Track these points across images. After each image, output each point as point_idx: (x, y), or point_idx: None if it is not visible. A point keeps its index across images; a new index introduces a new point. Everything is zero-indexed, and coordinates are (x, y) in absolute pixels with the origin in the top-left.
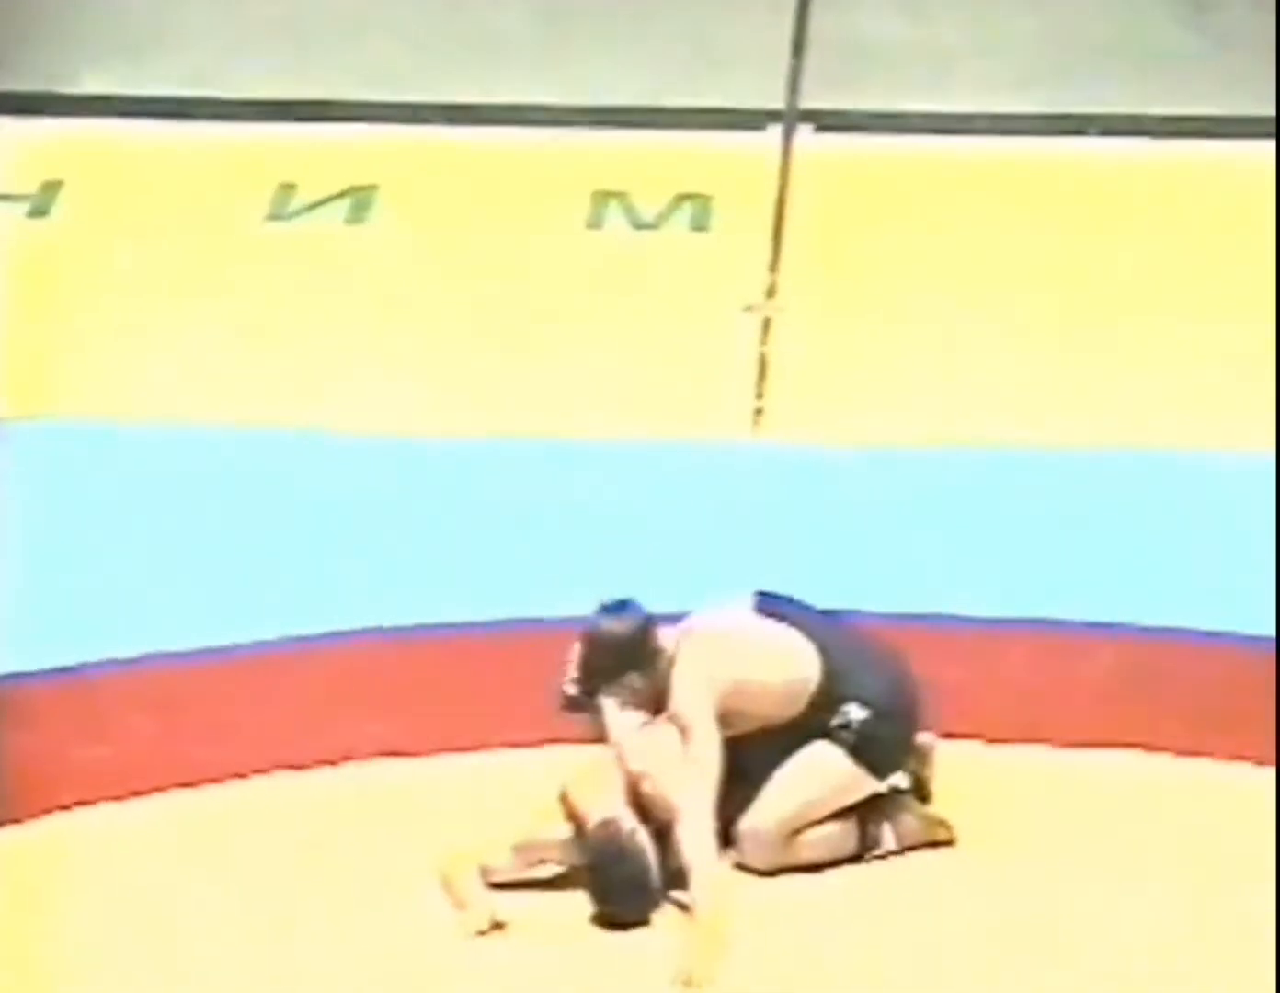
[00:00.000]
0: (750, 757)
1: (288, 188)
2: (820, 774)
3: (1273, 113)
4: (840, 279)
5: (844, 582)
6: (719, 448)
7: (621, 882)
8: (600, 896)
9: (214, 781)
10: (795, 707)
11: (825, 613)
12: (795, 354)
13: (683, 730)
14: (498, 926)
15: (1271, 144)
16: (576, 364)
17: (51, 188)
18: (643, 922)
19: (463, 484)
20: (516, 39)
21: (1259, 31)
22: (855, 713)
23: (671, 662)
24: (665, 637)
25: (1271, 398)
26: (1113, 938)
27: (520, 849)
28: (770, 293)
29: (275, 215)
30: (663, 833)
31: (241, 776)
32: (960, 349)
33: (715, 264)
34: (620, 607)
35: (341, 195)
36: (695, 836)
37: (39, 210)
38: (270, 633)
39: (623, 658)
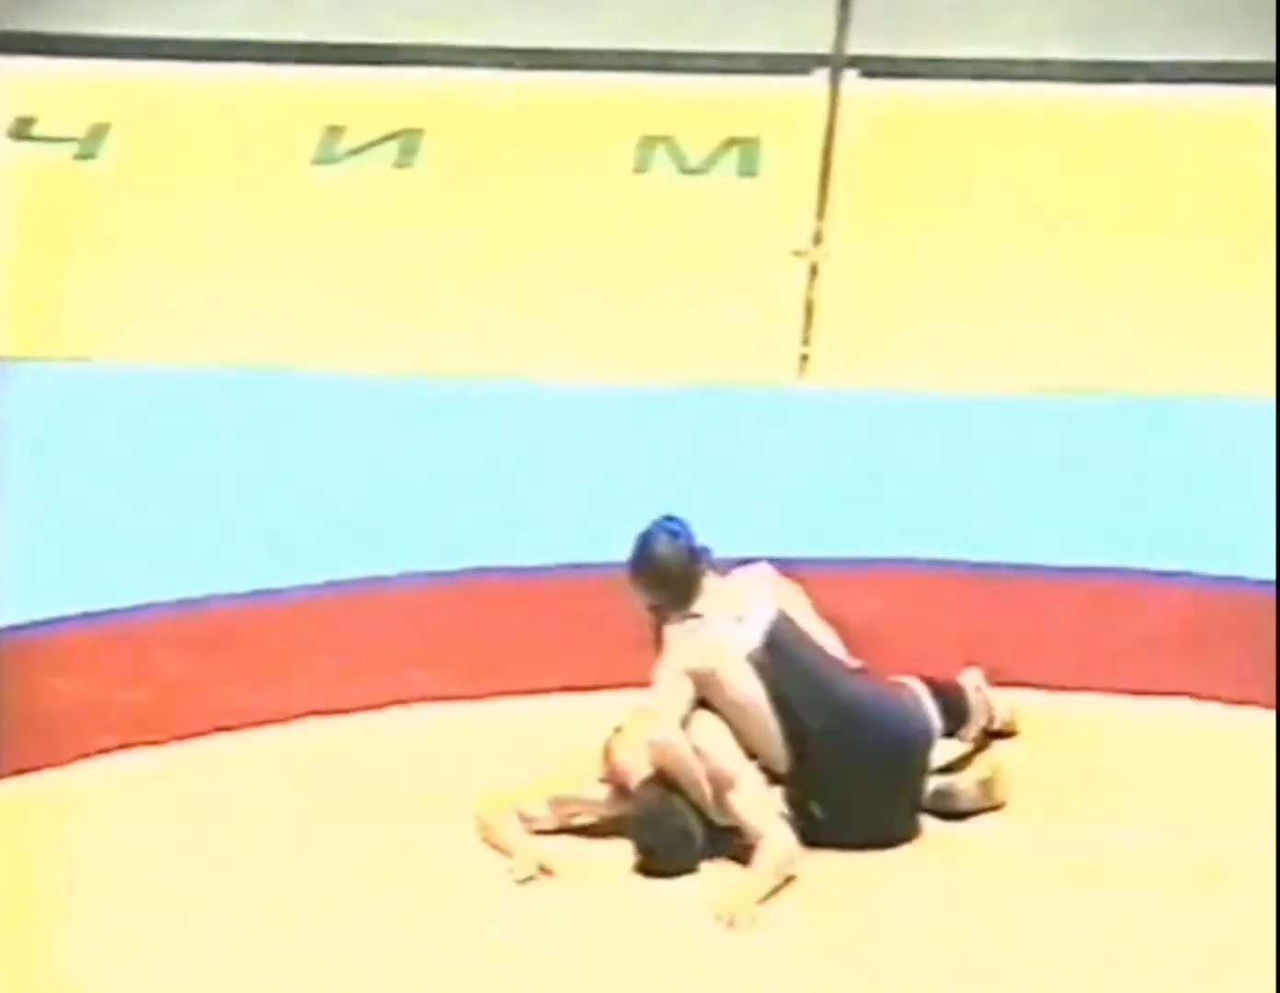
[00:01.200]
0: None
1: (335, 131)
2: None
3: None
4: (886, 225)
5: (892, 527)
6: (766, 393)
7: (670, 831)
8: (647, 846)
9: (255, 725)
10: None
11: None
12: (841, 300)
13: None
14: (546, 872)
15: None
16: (623, 310)
17: (99, 130)
18: (690, 869)
19: (509, 428)
20: None
21: None
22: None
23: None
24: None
25: None
26: (1156, 885)
27: (556, 803)
28: (817, 238)
29: (322, 159)
30: (708, 806)
31: (283, 720)
32: (1006, 295)
33: (762, 209)
34: (672, 531)
35: (389, 139)
36: (751, 799)
37: (86, 153)
38: (312, 577)
39: (670, 586)
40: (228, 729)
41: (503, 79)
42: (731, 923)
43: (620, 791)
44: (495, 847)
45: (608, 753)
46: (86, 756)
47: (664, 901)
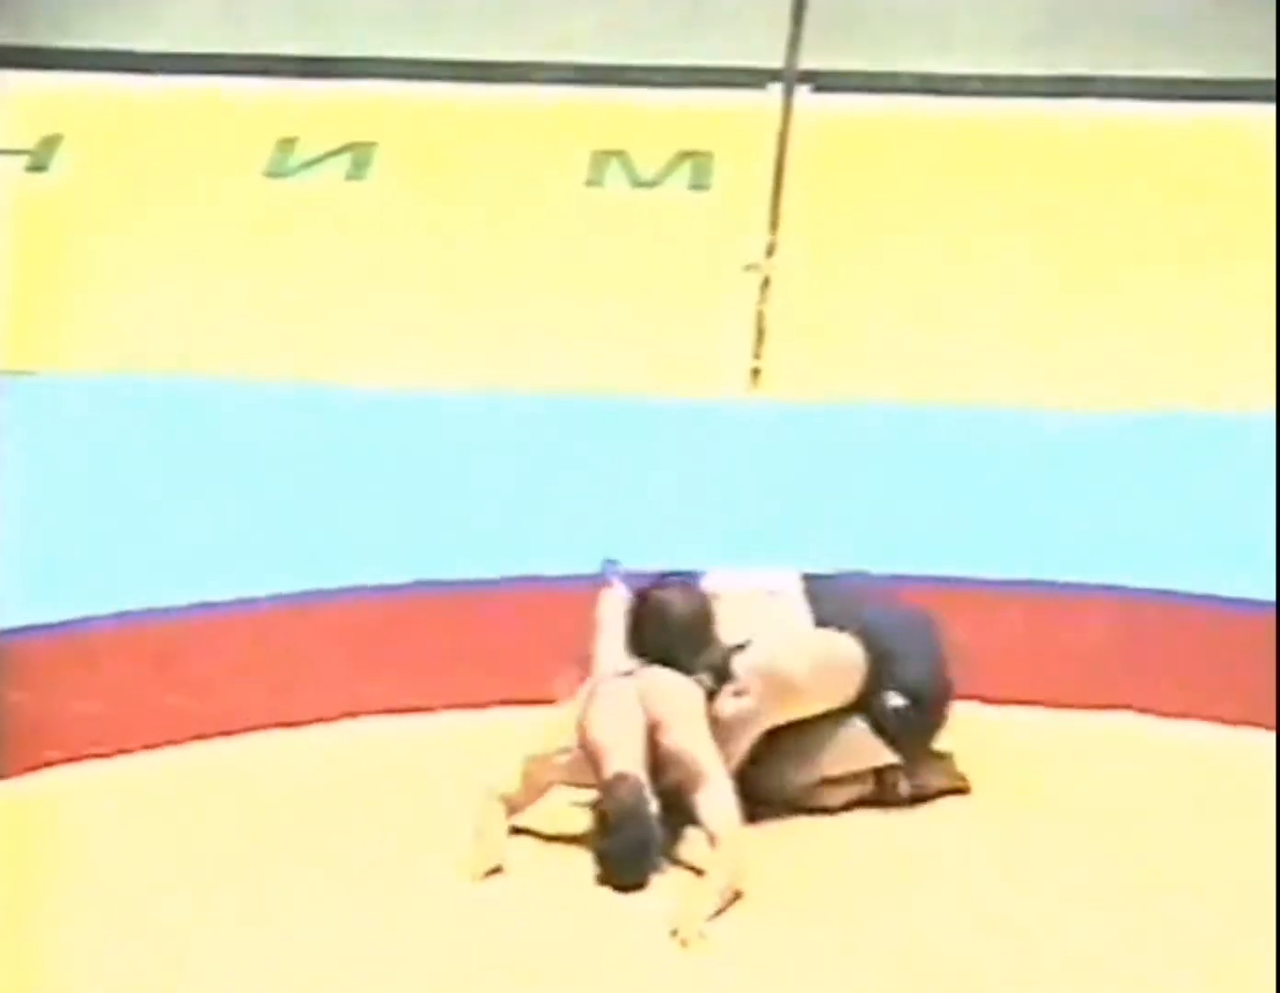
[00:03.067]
0: (791, 738)
1: (287, 143)
2: (847, 754)
3: (1272, 75)
4: (838, 239)
5: (840, 540)
6: (717, 406)
7: (625, 846)
8: (602, 857)
9: (205, 737)
10: (841, 699)
11: (869, 581)
12: (793, 313)
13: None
14: (496, 869)
15: (1271, 107)
16: (575, 322)
17: (51, 142)
18: (640, 885)
19: (459, 440)
20: None
21: None
22: (895, 701)
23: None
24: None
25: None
26: (1101, 897)
27: (530, 772)
28: (769, 252)
29: (274, 171)
30: (671, 793)
31: (233, 733)
32: (957, 308)
33: (714, 223)
34: (682, 580)
35: (341, 151)
36: (719, 802)
37: (38, 165)
38: (260, 590)
39: (679, 636)
40: (177, 742)
41: (455, 92)
42: (685, 941)
43: (595, 768)
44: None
45: (580, 725)
46: (39, 767)
47: (617, 915)
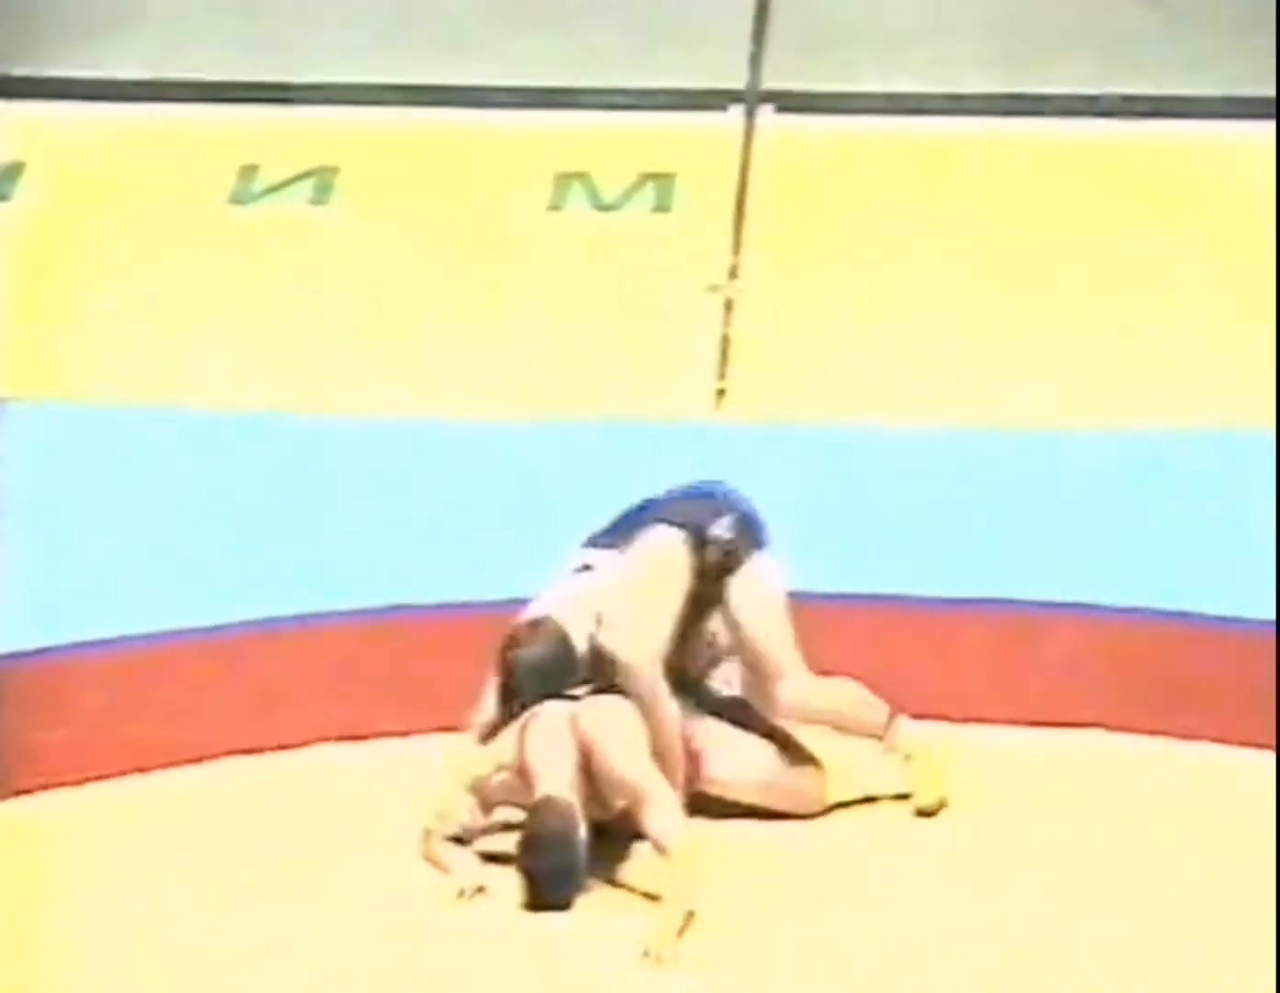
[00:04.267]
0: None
1: (250, 170)
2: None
3: (1229, 92)
4: (802, 260)
5: (804, 561)
6: (682, 427)
7: (551, 868)
8: (528, 878)
9: (174, 764)
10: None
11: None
12: (757, 335)
13: (638, 701)
14: (479, 889)
15: (1230, 123)
16: (539, 345)
17: (13, 171)
18: (566, 906)
19: (424, 465)
20: (477, 20)
21: (1214, 10)
22: (719, 529)
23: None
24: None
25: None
26: (1070, 916)
27: (476, 789)
28: (732, 273)
29: (237, 198)
30: (619, 818)
31: (203, 759)
32: (921, 329)
33: (677, 245)
34: (527, 622)
35: (303, 177)
36: (667, 819)
37: (0, 194)
38: (230, 616)
39: (549, 680)
40: (146, 770)
41: (417, 117)
42: (659, 960)
43: (526, 788)
44: (435, 867)
45: (519, 739)
46: (4, 797)
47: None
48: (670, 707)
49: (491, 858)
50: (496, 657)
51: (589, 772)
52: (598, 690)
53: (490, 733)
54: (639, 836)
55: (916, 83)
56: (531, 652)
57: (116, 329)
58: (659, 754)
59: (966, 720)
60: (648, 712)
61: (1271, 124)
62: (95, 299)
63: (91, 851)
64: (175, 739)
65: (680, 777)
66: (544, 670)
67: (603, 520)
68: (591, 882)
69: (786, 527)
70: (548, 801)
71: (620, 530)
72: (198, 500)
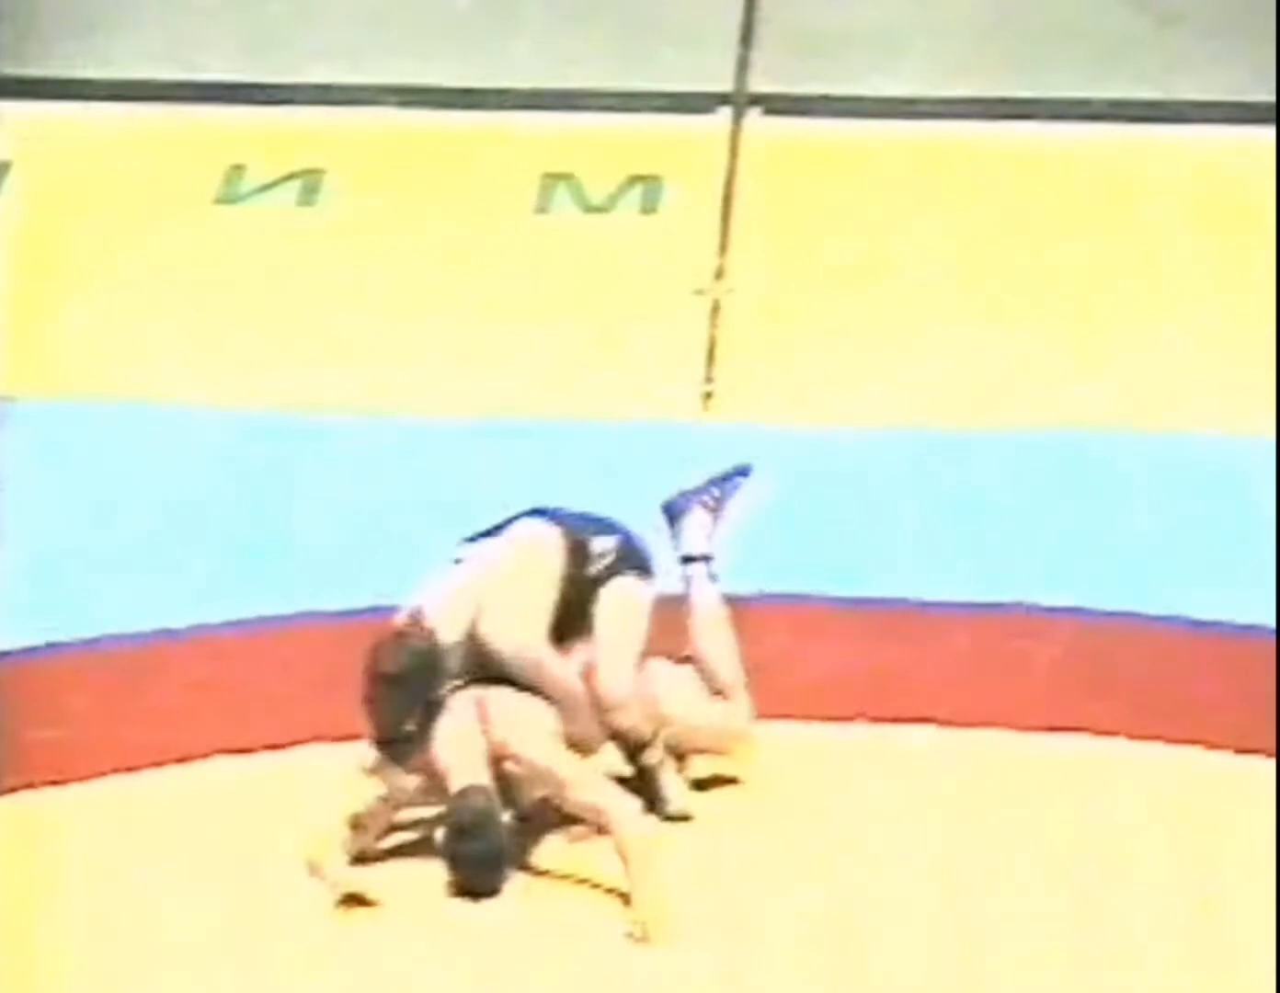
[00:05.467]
0: None
1: (237, 170)
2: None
3: (1218, 98)
4: (788, 262)
5: (792, 563)
6: (669, 428)
7: (474, 855)
8: (453, 866)
9: (161, 764)
10: (555, 570)
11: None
12: (744, 337)
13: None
14: (365, 901)
15: (1219, 128)
16: (526, 347)
17: None
18: (493, 892)
19: (410, 465)
20: (465, 21)
21: (1202, 14)
22: (602, 545)
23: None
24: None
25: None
26: (1054, 914)
27: (384, 798)
28: (719, 275)
29: (225, 198)
30: (537, 805)
31: (189, 759)
32: (907, 331)
33: (664, 247)
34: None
35: (291, 177)
36: (592, 795)
37: None
38: (220, 616)
39: (414, 691)
40: (134, 769)
41: (404, 118)
42: (645, 937)
43: (435, 786)
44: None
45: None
46: None
47: (477, 924)
48: (565, 675)
49: (414, 850)
50: (362, 675)
51: (501, 770)
52: (482, 680)
53: (381, 748)
54: (566, 821)
55: (904, 86)
56: (390, 667)
57: (102, 327)
58: (570, 733)
59: (956, 724)
60: (545, 691)
61: (1271, 129)
62: (79, 298)
63: (79, 849)
64: (164, 739)
65: (598, 728)
66: (406, 683)
67: None
68: (515, 872)
69: (772, 528)
70: (467, 790)
71: (501, 525)
72: (185, 500)
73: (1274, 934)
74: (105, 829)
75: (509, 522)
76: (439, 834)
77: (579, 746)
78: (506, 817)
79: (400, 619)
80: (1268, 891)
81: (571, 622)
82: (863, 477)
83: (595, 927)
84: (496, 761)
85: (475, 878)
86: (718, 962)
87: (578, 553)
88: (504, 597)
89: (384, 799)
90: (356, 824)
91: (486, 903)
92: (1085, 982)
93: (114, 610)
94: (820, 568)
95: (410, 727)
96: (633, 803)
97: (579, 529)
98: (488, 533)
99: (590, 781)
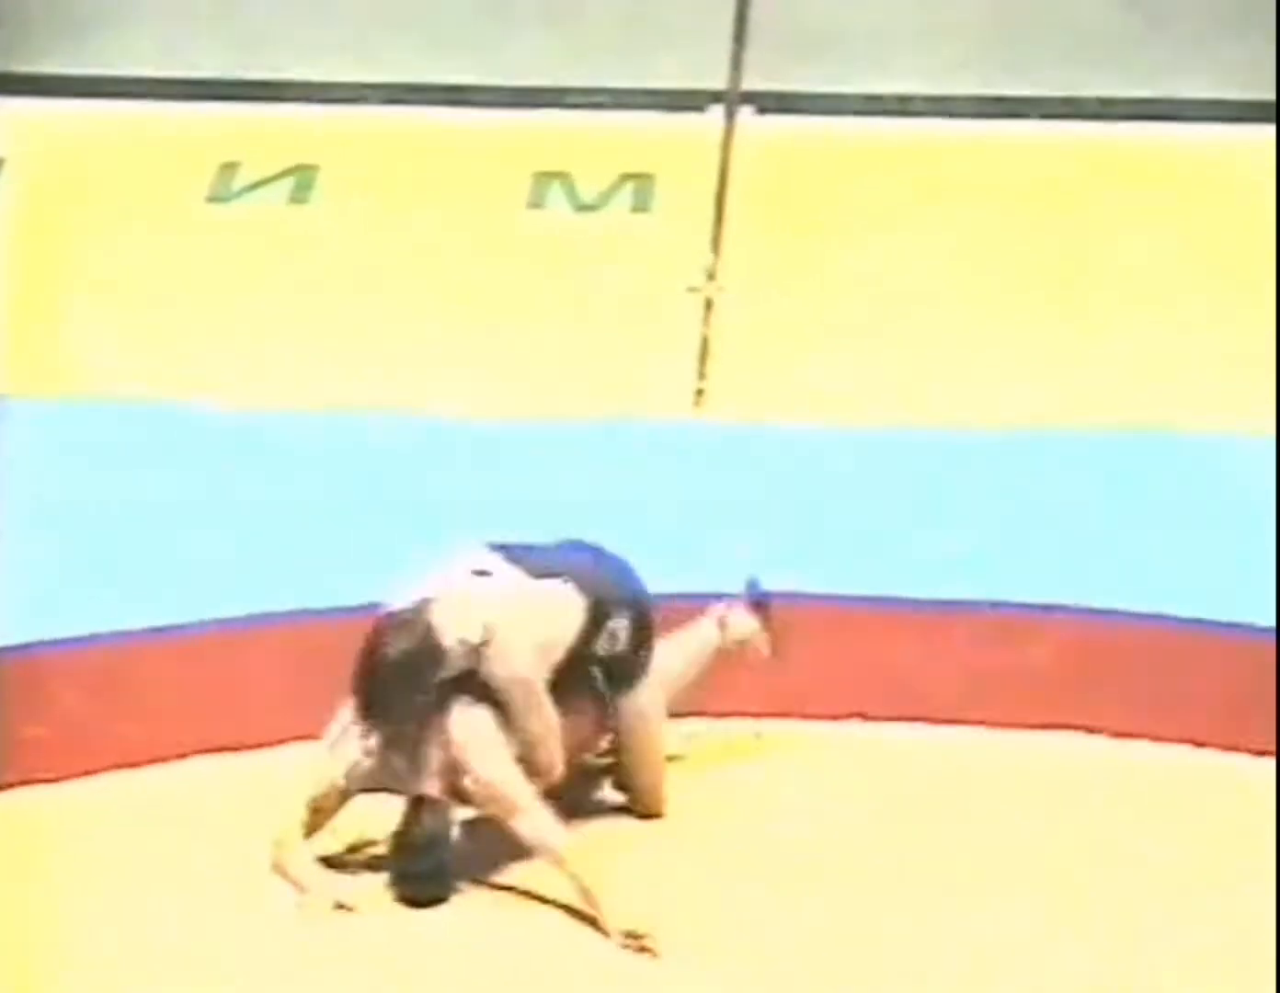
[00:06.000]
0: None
1: (229, 168)
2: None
3: (1209, 95)
4: (782, 260)
5: (786, 561)
6: (661, 427)
7: (423, 869)
8: (400, 879)
9: (151, 762)
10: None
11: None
12: (736, 335)
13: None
14: (344, 908)
15: (1211, 126)
16: (518, 345)
17: None
18: (439, 901)
19: (403, 463)
20: (458, 19)
21: (1194, 13)
22: (619, 623)
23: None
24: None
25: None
26: (1044, 916)
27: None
28: (712, 274)
29: (217, 196)
30: (486, 820)
31: (179, 757)
32: (901, 330)
33: (657, 245)
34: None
35: (283, 175)
36: (541, 823)
37: None
38: (207, 614)
39: (413, 677)
40: (125, 766)
41: (397, 115)
42: (641, 946)
43: (394, 771)
44: (290, 884)
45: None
46: None
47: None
48: (547, 716)
49: (356, 856)
50: (358, 657)
51: (455, 785)
52: (464, 692)
53: (346, 739)
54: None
55: (898, 84)
56: (392, 650)
57: (94, 325)
58: (526, 759)
59: (950, 722)
60: (528, 718)
61: (1270, 127)
62: (71, 296)
63: (70, 847)
64: (154, 736)
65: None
66: (407, 667)
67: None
68: (461, 883)
69: (764, 528)
70: (424, 800)
71: (535, 555)
72: (177, 499)
73: (1274, 934)
74: (96, 827)
75: (543, 553)
76: (388, 841)
77: (537, 771)
78: (455, 832)
79: (405, 608)
80: (1268, 891)
81: (560, 687)
82: (854, 476)
83: (566, 935)
84: (453, 777)
85: (420, 891)
86: (714, 962)
87: (592, 629)
88: (514, 635)
89: (342, 777)
90: (314, 806)
91: (439, 910)
92: (1080, 980)
93: (104, 608)
94: (810, 566)
95: (398, 713)
96: (563, 837)
97: (603, 597)
98: (519, 549)
99: (535, 809)
